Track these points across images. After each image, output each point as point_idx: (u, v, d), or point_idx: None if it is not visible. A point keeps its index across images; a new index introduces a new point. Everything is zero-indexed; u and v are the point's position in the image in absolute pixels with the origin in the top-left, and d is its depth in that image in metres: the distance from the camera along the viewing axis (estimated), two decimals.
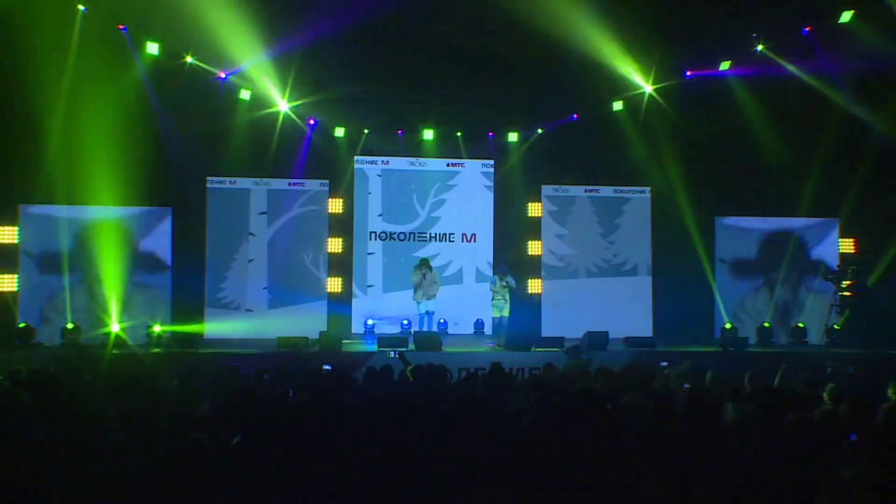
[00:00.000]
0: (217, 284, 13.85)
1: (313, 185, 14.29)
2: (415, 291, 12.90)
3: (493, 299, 12.71)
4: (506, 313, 12.63)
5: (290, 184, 14.20)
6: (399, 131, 14.46)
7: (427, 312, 12.91)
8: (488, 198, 14.73)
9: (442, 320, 13.63)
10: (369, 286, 14.37)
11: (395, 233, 14.61)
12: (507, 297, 12.67)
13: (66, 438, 4.33)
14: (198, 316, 13.56)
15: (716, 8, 12.50)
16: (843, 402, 5.18)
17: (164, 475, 3.87)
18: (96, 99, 12.14)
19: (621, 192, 14.91)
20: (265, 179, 14.11)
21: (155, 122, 12.85)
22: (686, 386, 6.55)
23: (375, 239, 14.56)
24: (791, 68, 13.02)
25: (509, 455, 4.19)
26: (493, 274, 13.33)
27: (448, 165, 14.75)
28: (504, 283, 12.64)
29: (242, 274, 13.95)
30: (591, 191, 14.89)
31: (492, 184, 14.75)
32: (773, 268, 14.58)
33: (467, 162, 14.73)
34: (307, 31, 11.90)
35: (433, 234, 14.66)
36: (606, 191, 14.91)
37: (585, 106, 14.16)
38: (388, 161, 14.63)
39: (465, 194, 14.71)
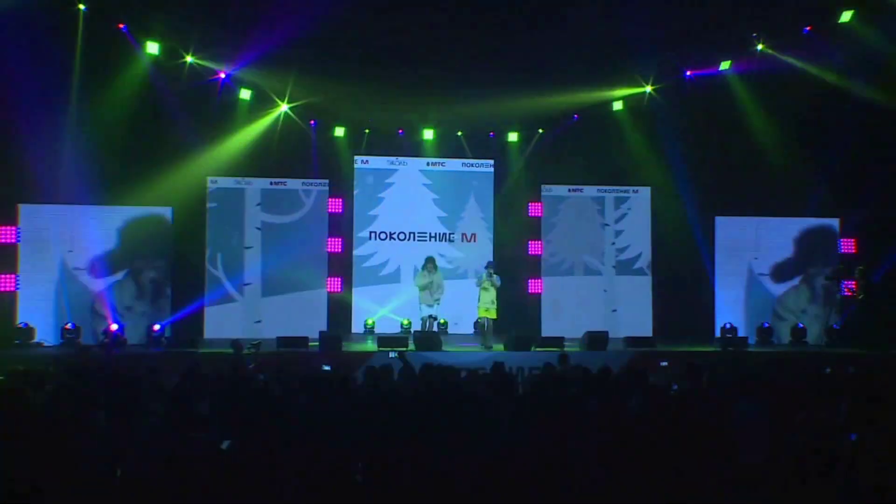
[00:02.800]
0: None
1: (295, 183, 14.25)
2: (421, 293, 12.42)
3: (479, 298, 11.99)
4: (492, 315, 11.95)
5: (273, 182, 14.15)
6: (399, 130, 14.51)
7: (430, 317, 12.40)
8: (427, 196, 14.70)
9: (442, 321, 13.59)
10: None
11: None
12: (494, 298, 11.94)
13: (64, 438, 4.32)
14: (197, 314, 13.62)
15: (715, 7, 12.49)
16: None
17: (161, 475, 3.86)
18: (97, 98, 12.17)
19: (619, 191, 14.90)
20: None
21: (156, 122, 12.85)
22: (675, 387, 6.52)
23: (375, 238, 14.60)
24: (793, 61, 12.95)
25: (505, 456, 4.18)
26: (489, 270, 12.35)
27: (428, 164, 14.73)
28: (490, 281, 11.94)
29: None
30: (575, 190, 14.87)
31: (430, 182, 14.68)
32: (810, 264, 14.38)
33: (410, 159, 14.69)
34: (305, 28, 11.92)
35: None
36: (604, 190, 14.91)
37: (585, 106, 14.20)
38: (367, 160, 14.61)
39: (403, 192, 14.65)
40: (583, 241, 14.78)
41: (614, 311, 14.53)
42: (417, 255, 14.06)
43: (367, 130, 14.34)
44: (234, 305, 13.87)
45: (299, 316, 13.60)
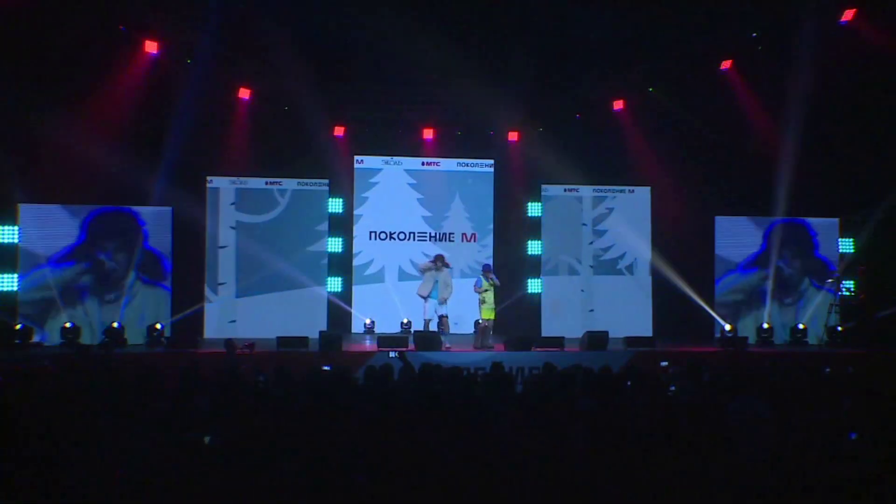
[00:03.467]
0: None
1: (290, 183, 14.21)
2: (422, 285, 12.33)
3: (482, 301, 11.90)
4: (493, 316, 11.94)
5: (268, 182, 14.15)
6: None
7: (437, 315, 12.31)
8: (415, 196, 14.66)
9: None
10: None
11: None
12: (493, 298, 11.94)
13: (62, 438, 4.33)
14: (197, 314, 13.63)
15: (715, 6, 12.50)
16: None
17: (161, 475, 3.86)
18: (97, 98, 12.18)
19: (618, 190, 14.89)
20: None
21: (155, 122, 12.85)
22: (672, 388, 6.51)
23: (375, 238, 14.59)
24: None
25: (503, 455, 4.18)
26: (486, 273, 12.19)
27: (423, 164, 14.70)
28: (491, 282, 11.92)
29: None
30: (570, 190, 14.85)
31: (415, 182, 14.64)
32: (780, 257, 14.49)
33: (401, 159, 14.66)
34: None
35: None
36: (599, 190, 14.91)
37: (585, 106, 14.19)
38: (362, 160, 14.60)
39: (391, 191, 14.61)
40: (564, 241, 14.79)
41: (591, 311, 14.52)
42: (401, 254, 14.25)
43: (365, 129, 14.35)
44: (228, 305, 13.85)
45: (298, 316, 13.59)
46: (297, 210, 14.23)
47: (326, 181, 14.32)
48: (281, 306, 13.81)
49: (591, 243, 14.80)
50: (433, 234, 14.68)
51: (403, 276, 14.42)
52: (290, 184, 14.20)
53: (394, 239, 14.62)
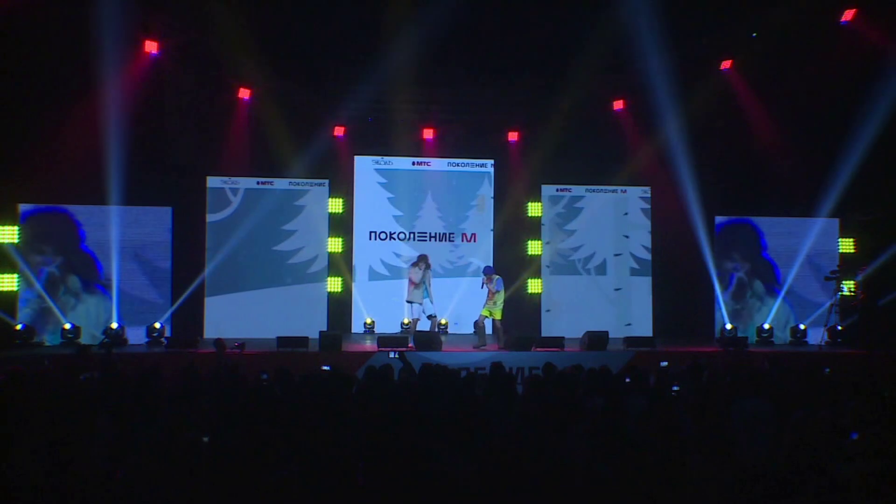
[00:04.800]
0: None
1: (282, 183, 14.17)
2: (412, 291, 12.32)
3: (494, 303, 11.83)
4: (497, 315, 11.86)
5: (260, 181, 14.11)
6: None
7: (425, 315, 12.37)
8: (383, 196, 14.61)
9: (443, 322, 13.56)
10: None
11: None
12: (496, 299, 11.80)
13: (62, 438, 4.33)
14: (198, 314, 13.61)
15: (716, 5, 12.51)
16: None
17: (161, 475, 3.86)
18: (95, 97, 12.18)
19: (611, 190, 14.88)
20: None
21: (155, 122, 12.85)
22: (675, 388, 6.52)
23: (375, 238, 14.58)
24: None
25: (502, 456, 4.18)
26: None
27: (414, 164, 14.68)
28: (493, 286, 11.82)
29: None
30: (563, 189, 14.82)
31: (385, 181, 14.58)
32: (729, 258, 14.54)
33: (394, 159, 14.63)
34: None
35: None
36: (605, 190, 14.89)
37: (586, 105, 14.18)
38: (356, 160, 14.58)
39: (376, 191, 14.59)
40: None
41: (548, 311, 14.44)
42: (373, 254, 14.34)
43: (363, 129, 14.35)
44: (226, 304, 13.81)
45: (297, 315, 13.59)
46: (254, 209, 14.00)
47: (309, 181, 14.22)
48: (250, 306, 13.76)
49: (548, 243, 14.69)
50: (441, 235, 14.67)
51: (374, 275, 14.42)
52: (244, 182, 14.03)
53: (393, 239, 14.61)
